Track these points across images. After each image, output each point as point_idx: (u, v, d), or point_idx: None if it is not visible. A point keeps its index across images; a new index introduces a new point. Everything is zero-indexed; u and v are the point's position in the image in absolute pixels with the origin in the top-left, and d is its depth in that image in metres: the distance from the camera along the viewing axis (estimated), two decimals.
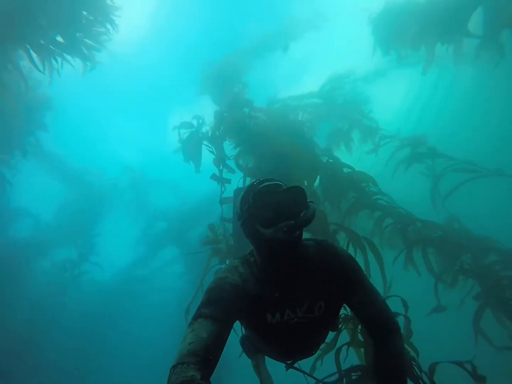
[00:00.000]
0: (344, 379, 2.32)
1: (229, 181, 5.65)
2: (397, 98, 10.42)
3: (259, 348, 1.68)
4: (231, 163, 6.54)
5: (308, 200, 1.28)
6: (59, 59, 5.45)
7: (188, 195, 12.80)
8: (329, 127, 10.53)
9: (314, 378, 1.90)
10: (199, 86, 9.08)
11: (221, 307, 1.17)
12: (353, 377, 2.46)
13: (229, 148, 6.75)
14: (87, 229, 11.03)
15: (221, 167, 5.94)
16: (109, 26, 6.35)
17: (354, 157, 9.44)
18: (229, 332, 1.17)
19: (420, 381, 1.96)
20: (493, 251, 5.10)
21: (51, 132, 7.91)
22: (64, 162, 10.09)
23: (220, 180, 5.83)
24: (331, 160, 6.99)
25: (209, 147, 6.63)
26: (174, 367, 0.95)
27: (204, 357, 0.99)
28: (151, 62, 11.50)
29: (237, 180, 5.82)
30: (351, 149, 9.54)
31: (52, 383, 9.14)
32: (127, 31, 8.97)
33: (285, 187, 1.29)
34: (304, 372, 1.79)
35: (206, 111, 8.31)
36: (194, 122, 8.39)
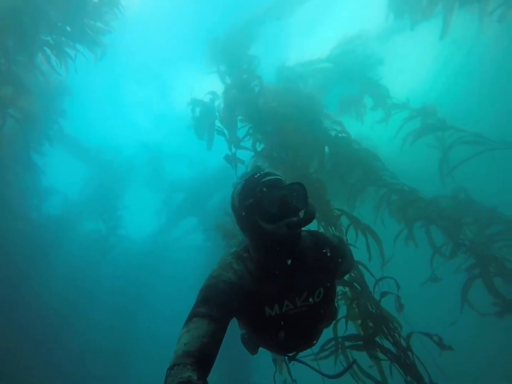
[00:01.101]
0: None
1: (242, 162, 5.88)
2: (411, 62, 9.94)
3: (259, 344, 1.66)
4: (244, 143, 6.74)
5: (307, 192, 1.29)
6: (71, 50, 5.66)
7: (204, 166, 13.10)
8: (341, 92, 10.30)
9: (316, 370, 1.88)
10: (208, 60, 8.94)
11: (216, 305, 1.17)
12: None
13: (240, 126, 6.91)
14: (111, 204, 11.83)
15: (233, 149, 6.16)
16: (115, 10, 6.40)
17: (366, 125, 9.36)
18: (225, 330, 1.17)
19: (399, 346, 2.43)
20: (496, 222, 5.31)
21: (71, 116, 8.28)
22: (85, 143, 10.67)
23: (233, 161, 6.07)
24: (340, 135, 7.10)
25: (220, 128, 6.80)
26: (170, 368, 0.95)
27: (200, 358, 0.99)
28: (158, 34, 11.30)
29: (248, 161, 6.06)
30: (363, 116, 9.37)
31: (89, 355, 10.01)
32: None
33: (285, 182, 1.30)
34: (306, 364, 1.79)
35: (217, 84, 8.31)
36: (207, 98, 8.46)
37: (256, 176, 1.33)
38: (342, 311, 3.16)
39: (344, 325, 3.05)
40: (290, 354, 1.75)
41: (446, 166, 6.26)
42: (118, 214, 11.95)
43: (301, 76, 10.14)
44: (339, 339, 2.86)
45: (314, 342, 1.67)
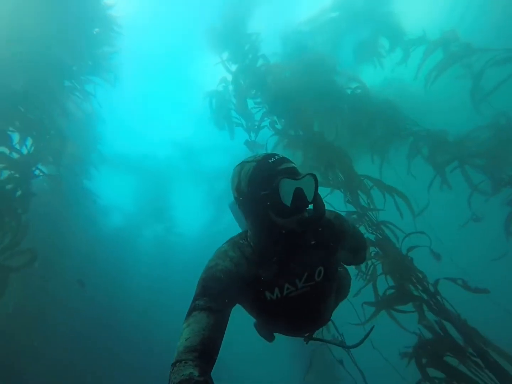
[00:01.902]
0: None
1: (262, 146, 6.09)
2: None
3: (270, 328, 1.66)
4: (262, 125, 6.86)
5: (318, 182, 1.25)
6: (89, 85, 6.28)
7: (234, 153, 13.43)
8: (355, 40, 9.68)
9: (335, 344, 1.89)
10: (212, 50, 8.95)
11: (215, 296, 1.15)
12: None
13: (255, 112, 7.01)
14: (162, 206, 12.97)
15: (252, 135, 6.36)
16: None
17: (387, 69, 8.79)
18: (227, 321, 1.16)
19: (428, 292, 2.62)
20: None
21: (107, 137, 9.13)
22: (126, 157, 11.74)
23: (254, 146, 6.30)
24: (357, 91, 6.86)
25: (237, 118, 7.00)
26: (173, 365, 0.96)
27: (202, 352, 0.98)
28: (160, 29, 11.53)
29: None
30: (381, 61, 8.77)
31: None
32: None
33: (299, 171, 1.25)
34: (322, 340, 1.79)
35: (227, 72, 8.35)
36: (220, 87, 8.62)
37: (271, 162, 1.23)
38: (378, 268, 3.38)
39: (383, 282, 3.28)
40: (304, 335, 1.73)
41: (479, 94, 5.78)
42: (170, 214, 13.08)
43: (308, 35, 9.70)
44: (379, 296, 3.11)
45: (326, 319, 1.64)
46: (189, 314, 1.11)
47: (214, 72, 8.89)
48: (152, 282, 11.07)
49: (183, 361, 0.94)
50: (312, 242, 1.33)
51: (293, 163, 1.26)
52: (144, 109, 13.30)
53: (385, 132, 5.67)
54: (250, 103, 7.06)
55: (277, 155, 1.26)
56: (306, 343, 1.81)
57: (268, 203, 1.17)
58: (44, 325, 5.69)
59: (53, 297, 5.79)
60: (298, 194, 1.17)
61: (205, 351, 0.99)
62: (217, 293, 1.16)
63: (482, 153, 4.59)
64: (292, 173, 1.20)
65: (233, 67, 7.73)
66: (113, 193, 11.04)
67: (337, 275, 1.54)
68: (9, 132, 4.06)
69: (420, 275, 2.78)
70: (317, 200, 1.24)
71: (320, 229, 1.35)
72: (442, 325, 2.53)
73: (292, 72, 7.46)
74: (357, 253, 1.67)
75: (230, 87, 8.14)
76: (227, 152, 14.26)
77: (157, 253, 12.00)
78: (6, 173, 3.90)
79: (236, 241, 1.38)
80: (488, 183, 4.31)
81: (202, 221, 15.40)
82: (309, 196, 1.19)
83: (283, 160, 1.24)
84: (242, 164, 1.32)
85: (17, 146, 4.25)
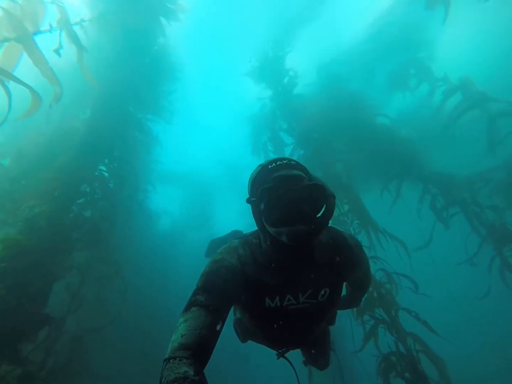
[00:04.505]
0: None
1: None
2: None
3: (251, 333, 1.58)
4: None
5: (329, 195, 1.16)
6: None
7: None
8: (386, 67, 10.12)
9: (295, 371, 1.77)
10: (252, 78, 9.86)
11: (216, 294, 1.12)
12: None
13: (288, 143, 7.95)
14: (206, 214, 14.69)
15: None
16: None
17: (413, 99, 9.11)
18: (224, 320, 1.12)
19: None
20: None
21: (162, 157, 10.75)
22: (176, 173, 13.75)
23: None
24: (382, 124, 7.44)
25: (271, 147, 8.05)
26: (166, 360, 0.93)
27: (197, 350, 0.96)
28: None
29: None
30: (410, 91, 9.17)
31: None
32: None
33: (305, 179, 1.17)
34: (291, 364, 1.72)
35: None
36: (257, 117, 9.67)
37: (270, 167, 1.20)
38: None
39: None
40: (280, 350, 1.71)
41: (493, 136, 6.14)
42: (213, 221, 14.74)
43: (343, 64, 10.31)
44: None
45: (309, 342, 1.61)
46: (188, 308, 1.08)
47: (253, 100, 10.01)
48: (192, 281, 12.48)
49: (177, 358, 0.91)
50: (323, 261, 1.29)
51: (297, 170, 1.18)
52: (192, 131, 15.20)
53: (401, 170, 6.29)
54: (283, 134, 8.07)
55: (281, 160, 1.21)
56: (277, 359, 1.79)
57: (258, 209, 1.17)
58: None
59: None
60: (291, 206, 1.10)
61: (200, 350, 0.97)
62: (218, 291, 1.13)
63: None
64: (287, 181, 1.13)
65: (270, 98, 8.68)
66: (164, 202, 12.89)
67: (339, 298, 1.44)
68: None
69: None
70: (323, 214, 1.15)
71: (333, 244, 1.32)
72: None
73: (322, 107, 8.20)
74: (358, 291, 1.68)
75: (266, 117, 9.15)
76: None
77: (199, 256, 13.43)
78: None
79: (249, 240, 1.35)
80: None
81: (239, 229, 16.75)
82: (315, 207, 1.13)
83: (283, 166, 1.18)
84: (257, 167, 1.32)
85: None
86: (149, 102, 7.10)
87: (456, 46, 9.29)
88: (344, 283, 1.57)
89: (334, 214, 1.22)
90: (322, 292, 1.31)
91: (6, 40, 2.49)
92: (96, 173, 5.42)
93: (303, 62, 10.21)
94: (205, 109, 14.19)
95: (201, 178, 14.66)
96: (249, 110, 10.46)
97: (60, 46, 2.96)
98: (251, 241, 1.35)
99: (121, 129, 6.13)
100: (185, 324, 1.02)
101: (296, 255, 1.21)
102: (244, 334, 1.66)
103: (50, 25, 2.85)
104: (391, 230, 4.90)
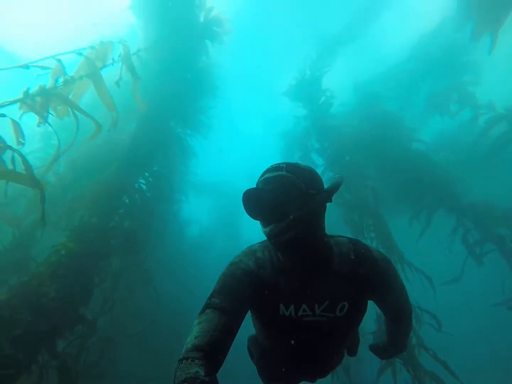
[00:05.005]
0: None
1: None
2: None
3: (266, 356, 1.53)
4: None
5: (306, 190, 1.13)
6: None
7: None
8: (426, 89, 9.88)
9: None
10: (289, 96, 10.03)
11: (231, 296, 1.12)
12: None
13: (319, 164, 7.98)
14: (233, 224, 15.03)
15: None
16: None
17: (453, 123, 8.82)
18: (240, 323, 1.12)
19: None
20: None
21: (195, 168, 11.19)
22: (207, 183, 14.26)
23: None
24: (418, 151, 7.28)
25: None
26: (180, 361, 0.95)
27: (210, 352, 0.97)
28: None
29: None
30: (451, 115, 8.89)
31: None
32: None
33: (277, 176, 1.16)
34: None
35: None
36: (290, 135, 9.79)
37: (264, 171, 1.23)
38: None
39: None
40: (294, 379, 1.58)
41: None
42: (239, 232, 15.03)
43: (380, 84, 10.19)
44: None
45: (323, 374, 1.52)
46: (203, 310, 1.10)
47: (288, 117, 10.15)
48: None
49: (190, 359, 0.93)
50: (343, 271, 1.24)
51: (282, 171, 1.17)
52: (226, 143, 15.73)
53: (434, 199, 6.13)
54: (314, 155, 8.12)
55: (275, 164, 1.22)
56: None
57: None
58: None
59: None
60: (254, 200, 1.13)
61: (213, 352, 0.98)
62: (234, 294, 1.14)
63: None
64: (266, 183, 1.17)
65: (305, 117, 8.79)
66: (194, 211, 13.38)
67: (361, 318, 1.35)
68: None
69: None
70: (301, 209, 1.12)
71: (355, 256, 1.26)
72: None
73: (356, 128, 8.16)
74: (395, 323, 1.50)
75: (299, 135, 9.25)
76: None
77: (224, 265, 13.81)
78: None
79: (269, 243, 1.29)
80: None
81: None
82: (285, 206, 1.11)
83: (269, 170, 1.21)
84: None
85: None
86: (189, 117, 7.47)
87: (503, 73, 8.93)
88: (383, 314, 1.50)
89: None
90: (340, 305, 1.25)
91: (80, 77, 2.86)
92: (136, 186, 5.81)
93: (340, 80, 10.21)
94: (239, 122, 14.70)
95: (230, 190, 15.00)
96: (283, 126, 10.69)
97: (120, 78, 3.32)
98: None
99: (162, 144, 6.52)
100: (199, 326, 1.04)
101: (302, 258, 1.20)
102: (260, 360, 1.58)
103: (113, 59, 3.22)
104: (418, 258, 4.79)
